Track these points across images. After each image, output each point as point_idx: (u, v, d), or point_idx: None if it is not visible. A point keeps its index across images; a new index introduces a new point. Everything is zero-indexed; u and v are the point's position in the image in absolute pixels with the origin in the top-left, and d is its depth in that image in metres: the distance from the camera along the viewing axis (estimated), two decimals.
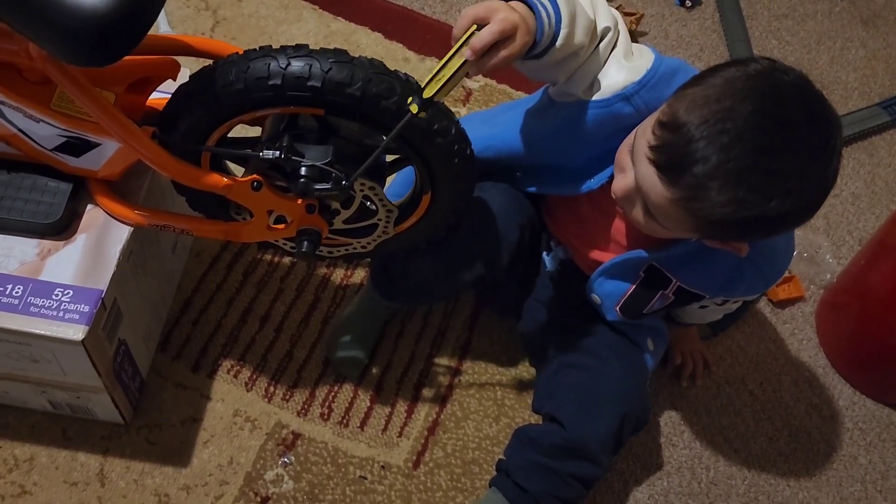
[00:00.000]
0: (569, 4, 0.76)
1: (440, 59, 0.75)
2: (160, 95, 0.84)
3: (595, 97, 0.83)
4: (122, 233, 0.87)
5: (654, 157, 0.75)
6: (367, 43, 1.36)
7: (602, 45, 0.82)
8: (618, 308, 0.96)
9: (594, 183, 0.90)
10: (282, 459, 1.01)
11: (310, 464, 1.01)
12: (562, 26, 0.75)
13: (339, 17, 1.38)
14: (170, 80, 0.85)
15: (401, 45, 1.37)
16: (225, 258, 1.13)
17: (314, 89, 0.76)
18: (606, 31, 0.81)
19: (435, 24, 1.41)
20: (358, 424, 1.04)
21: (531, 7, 0.75)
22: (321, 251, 0.95)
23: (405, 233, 0.93)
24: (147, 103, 0.85)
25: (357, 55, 0.78)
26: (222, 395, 1.04)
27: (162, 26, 1.28)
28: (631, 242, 0.93)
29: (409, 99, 0.73)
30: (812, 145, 0.73)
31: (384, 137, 0.83)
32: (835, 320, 1.21)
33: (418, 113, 0.73)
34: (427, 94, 0.72)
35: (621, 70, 0.82)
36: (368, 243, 0.93)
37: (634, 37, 1.49)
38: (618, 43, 0.83)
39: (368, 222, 0.90)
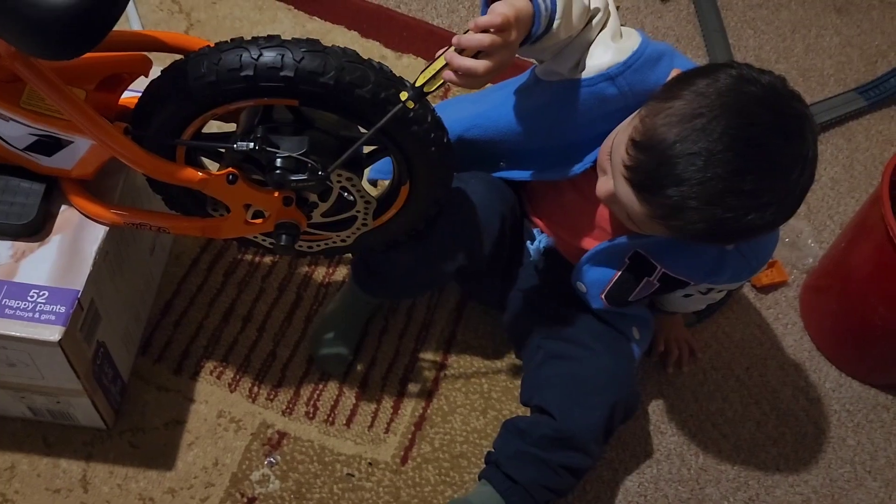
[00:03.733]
0: None
1: (417, 55, 0.75)
2: (133, 94, 0.83)
3: (580, 76, 0.83)
4: (98, 232, 0.86)
5: (629, 176, 0.76)
6: (342, 42, 1.35)
7: (591, 25, 0.82)
8: (603, 296, 0.96)
9: (578, 168, 0.90)
10: (268, 459, 1.00)
11: (296, 463, 1.00)
12: (557, 16, 0.76)
13: (315, 17, 1.37)
14: (142, 78, 0.84)
15: (377, 42, 1.36)
16: (205, 259, 1.12)
17: (287, 79, 0.75)
18: (596, 11, 0.82)
19: (411, 21, 1.41)
20: (344, 422, 1.03)
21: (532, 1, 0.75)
22: (300, 246, 0.94)
23: (385, 225, 0.92)
24: (120, 102, 0.84)
25: (334, 41, 0.78)
26: (206, 396, 1.02)
27: (134, 27, 1.27)
28: (615, 229, 0.93)
29: (402, 90, 0.74)
30: (785, 161, 0.73)
31: (360, 129, 0.84)
32: (818, 303, 1.21)
33: (407, 101, 0.74)
34: (419, 82, 0.73)
35: (607, 51, 0.82)
36: (348, 237, 0.93)
37: None
38: (607, 24, 0.83)
39: (347, 215, 0.89)
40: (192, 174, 0.81)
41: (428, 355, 1.10)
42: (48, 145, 0.81)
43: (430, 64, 0.74)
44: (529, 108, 0.91)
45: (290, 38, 0.77)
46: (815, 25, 1.59)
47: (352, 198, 0.87)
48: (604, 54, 0.82)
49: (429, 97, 0.77)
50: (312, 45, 0.76)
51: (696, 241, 0.83)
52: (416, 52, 1.37)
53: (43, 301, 0.81)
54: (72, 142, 0.81)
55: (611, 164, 0.80)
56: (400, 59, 1.36)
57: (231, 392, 1.03)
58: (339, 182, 0.84)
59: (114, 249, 0.90)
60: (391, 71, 0.80)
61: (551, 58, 0.83)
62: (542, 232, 1.01)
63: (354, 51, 0.78)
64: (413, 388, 1.07)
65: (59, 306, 0.81)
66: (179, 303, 1.08)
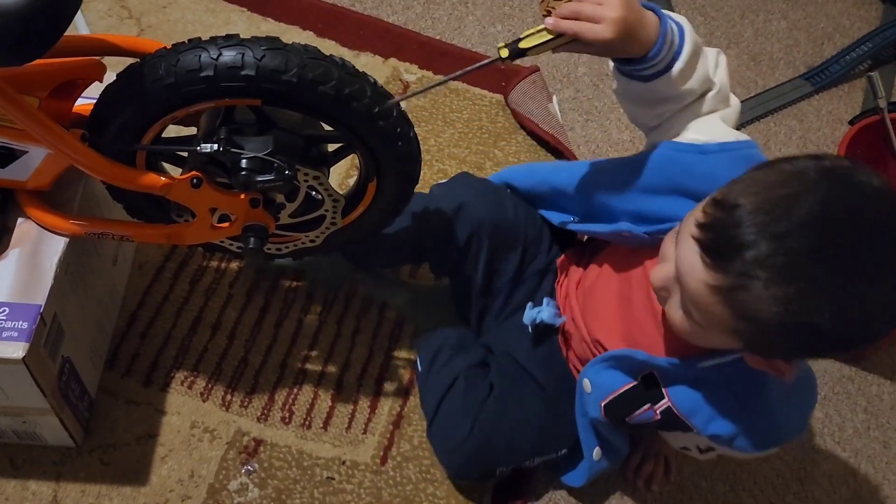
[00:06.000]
0: (695, 44, 0.76)
1: (374, 53, 0.74)
2: (88, 101, 0.81)
3: (673, 139, 0.80)
4: (58, 244, 0.84)
5: (700, 236, 0.67)
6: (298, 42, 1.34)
7: (706, 98, 0.78)
8: (603, 404, 0.88)
9: (627, 227, 0.83)
10: (245, 468, 0.98)
11: (274, 469, 0.98)
12: (682, 55, 0.75)
13: (269, 18, 1.36)
14: (97, 83, 0.82)
15: (334, 41, 1.35)
16: (170, 268, 1.09)
17: (248, 78, 0.74)
18: (713, 85, 0.78)
19: (367, 19, 1.40)
20: (321, 425, 1.02)
21: (660, 18, 0.74)
22: (269, 249, 0.93)
23: (354, 223, 0.92)
24: (74, 109, 0.81)
25: (290, 41, 0.77)
26: (177, 407, 1.00)
27: (82, 33, 1.24)
28: (642, 337, 0.85)
29: (502, 44, 0.72)
30: (887, 259, 0.63)
31: (324, 126, 0.83)
32: None
33: (507, 59, 0.72)
34: (524, 45, 0.72)
35: (712, 128, 0.78)
36: (317, 237, 0.92)
37: None
38: (725, 111, 0.80)
39: (315, 214, 0.88)
40: (154, 180, 0.79)
41: (402, 353, 1.09)
42: (1, 157, 0.79)
43: (538, 30, 0.73)
44: (608, 159, 0.90)
45: (249, 37, 0.75)
46: (763, 10, 1.63)
47: (319, 197, 0.86)
48: (705, 129, 0.78)
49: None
50: (273, 43, 0.75)
51: (752, 345, 0.71)
52: (373, 50, 1.36)
53: (3, 318, 0.79)
54: (26, 152, 0.79)
55: (676, 241, 0.72)
56: (357, 57, 1.35)
57: (203, 401, 1.01)
58: (305, 181, 0.83)
59: (75, 261, 0.87)
60: (354, 67, 0.79)
61: (657, 123, 0.81)
62: (555, 306, 0.96)
63: (315, 47, 0.77)
64: (389, 387, 1.06)
65: (20, 322, 0.79)
66: (145, 313, 1.06)
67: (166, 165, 0.88)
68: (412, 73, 1.35)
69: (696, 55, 0.76)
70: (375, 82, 0.79)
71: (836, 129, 1.47)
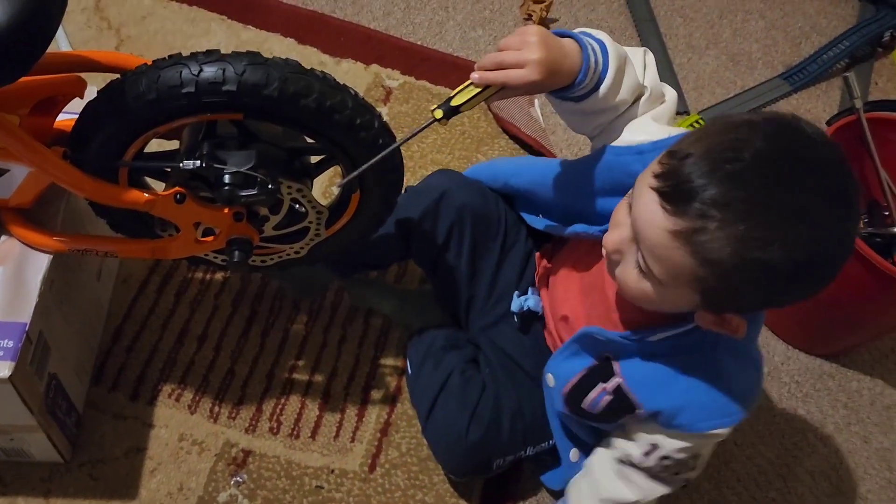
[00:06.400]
0: (619, 59, 0.77)
1: (356, 60, 0.75)
2: (68, 117, 0.81)
3: (612, 143, 0.83)
4: (42, 262, 0.84)
5: (658, 185, 0.69)
6: (279, 50, 1.34)
7: (639, 103, 0.81)
8: (565, 392, 0.90)
9: (583, 229, 0.87)
10: (234, 479, 0.98)
11: (263, 480, 0.99)
12: (607, 76, 0.77)
13: (250, 26, 1.36)
14: (77, 100, 0.82)
15: (315, 49, 1.35)
16: (154, 281, 1.09)
17: (230, 93, 0.74)
18: (644, 90, 0.81)
19: (348, 25, 1.40)
20: (309, 434, 1.02)
21: (580, 45, 0.76)
22: (254, 261, 0.93)
23: (338, 234, 0.92)
24: (55, 125, 0.81)
25: (272, 54, 0.77)
26: (165, 420, 1.00)
27: (62, 47, 1.23)
28: (607, 325, 0.86)
29: (435, 106, 0.74)
30: (830, 189, 0.66)
31: (307, 139, 0.83)
32: None
33: (441, 119, 0.74)
34: (456, 102, 0.74)
35: (646, 128, 0.81)
36: (301, 248, 0.92)
37: (545, 24, 1.51)
38: (658, 109, 0.82)
39: (299, 226, 0.89)
40: (137, 196, 0.79)
41: (389, 360, 1.10)
42: None
43: (466, 86, 0.75)
44: (560, 162, 0.92)
45: (230, 52, 0.76)
46: (741, 10, 1.64)
47: (303, 209, 0.86)
48: (641, 130, 0.81)
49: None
50: (253, 58, 0.75)
51: (710, 297, 0.72)
52: (355, 57, 1.36)
53: None
54: (7, 170, 0.78)
55: (631, 202, 0.74)
56: (339, 64, 1.35)
57: (191, 414, 1.01)
58: (289, 194, 0.83)
59: (59, 278, 0.87)
60: (335, 79, 0.79)
61: (597, 133, 0.84)
62: (538, 295, 1.00)
63: (296, 61, 0.78)
64: (376, 394, 1.07)
65: (6, 341, 0.78)
66: (131, 327, 1.06)
67: (149, 180, 0.88)
68: (394, 80, 1.36)
69: (621, 70, 0.78)
70: (357, 94, 0.80)
71: None
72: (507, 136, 1.34)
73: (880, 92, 1.56)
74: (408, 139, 0.77)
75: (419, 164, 1.28)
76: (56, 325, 0.87)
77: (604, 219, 0.82)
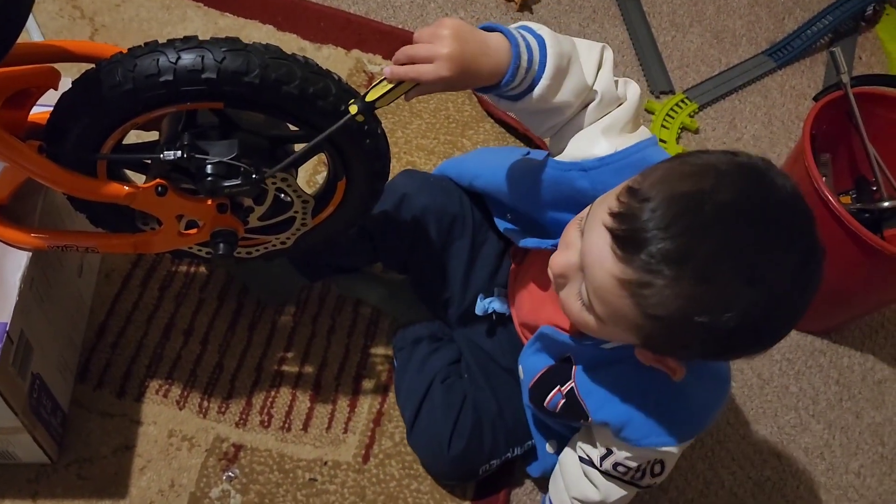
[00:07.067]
0: (560, 58, 0.72)
1: (336, 45, 0.73)
2: (42, 109, 0.78)
3: (556, 157, 0.79)
4: (21, 259, 0.81)
5: (613, 225, 0.64)
6: (258, 37, 1.31)
7: (588, 110, 0.76)
8: (530, 387, 0.89)
9: (535, 244, 0.85)
10: (226, 474, 0.97)
11: (256, 474, 0.97)
12: (544, 76, 0.72)
13: (227, 13, 1.33)
14: (51, 91, 0.79)
15: (294, 35, 1.33)
16: (137, 275, 1.07)
17: (210, 81, 0.72)
18: (594, 96, 0.75)
19: (327, 10, 1.38)
20: (301, 427, 1.01)
21: (510, 42, 0.71)
22: (239, 252, 0.91)
23: (324, 223, 0.90)
24: (29, 118, 0.79)
25: (251, 41, 0.75)
26: (153, 417, 0.98)
27: (34, 37, 1.20)
28: (563, 320, 0.83)
29: (351, 101, 0.71)
30: (793, 255, 0.62)
31: (289, 126, 0.81)
32: None
33: (357, 115, 0.71)
34: (370, 97, 0.71)
35: (592, 141, 0.75)
36: (287, 238, 0.90)
37: (527, 5, 1.49)
38: (610, 115, 0.76)
39: (285, 216, 0.87)
40: (117, 189, 0.77)
41: (379, 350, 1.08)
42: None
43: (379, 81, 0.72)
44: (515, 171, 0.88)
45: (208, 38, 0.73)
46: None
47: (288, 199, 0.84)
48: (588, 143, 0.75)
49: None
50: (233, 44, 0.73)
51: (648, 343, 0.69)
52: (336, 42, 1.34)
53: None
54: None
55: (582, 229, 0.70)
56: (319, 50, 1.33)
57: (180, 409, 0.99)
58: (274, 184, 0.81)
59: (39, 275, 0.85)
60: (317, 64, 0.77)
61: (549, 135, 0.79)
62: (504, 297, 0.98)
63: (277, 46, 0.76)
64: (368, 384, 1.06)
65: None
66: (115, 323, 1.03)
67: (129, 172, 0.85)
68: (376, 65, 1.34)
69: (561, 71, 0.72)
70: (340, 80, 0.78)
71: (800, 104, 1.49)
72: (492, 120, 1.32)
73: (864, 66, 1.56)
74: (328, 134, 0.73)
75: (404, 150, 1.26)
76: (37, 323, 0.85)
77: (556, 231, 0.78)
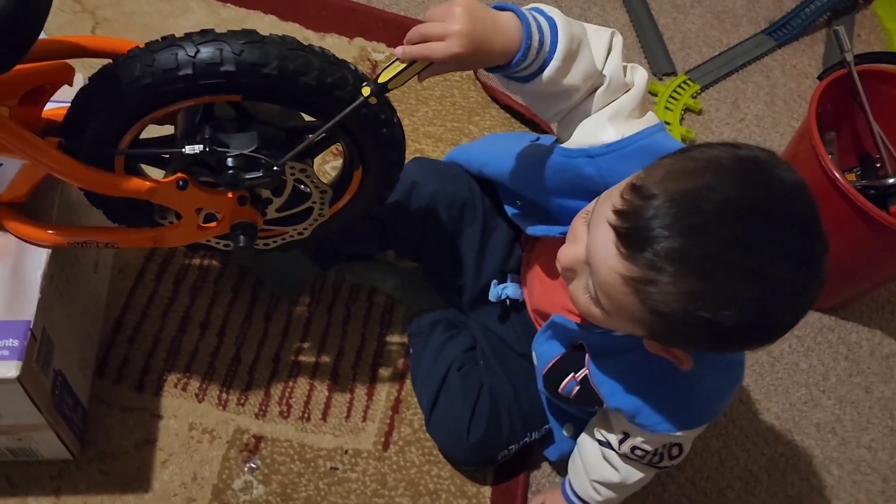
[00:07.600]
0: (571, 41, 0.72)
1: (340, 34, 0.72)
2: (57, 105, 0.78)
3: (563, 144, 0.78)
4: (40, 256, 0.81)
5: (617, 223, 0.64)
6: (261, 27, 1.28)
7: (595, 95, 0.76)
8: (544, 373, 0.89)
9: (543, 231, 0.85)
10: (248, 465, 0.97)
11: (277, 465, 0.98)
12: (554, 58, 0.71)
13: (229, 4, 1.32)
14: (65, 87, 0.79)
15: (297, 24, 1.32)
16: (151, 269, 1.07)
17: (229, 74, 0.72)
18: (602, 81, 0.75)
19: None
20: (320, 416, 1.02)
21: (522, 21, 0.71)
22: (257, 244, 0.91)
23: (341, 212, 0.90)
24: (43, 114, 0.78)
25: (267, 33, 0.75)
26: (173, 410, 0.99)
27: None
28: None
29: (364, 83, 0.71)
30: (796, 252, 0.62)
31: (305, 117, 0.81)
32: None
33: (370, 97, 0.70)
34: (383, 78, 0.70)
35: (599, 128, 0.75)
36: (305, 229, 0.90)
37: None
38: (617, 101, 0.76)
39: (303, 207, 0.87)
40: (138, 184, 0.77)
41: (395, 337, 1.09)
42: None
43: (392, 62, 0.71)
44: (523, 158, 0.88)
45: (224, 31, 0.73)
46: None
47: (307, 189, 0.84)
48: (594, 130, 0.75)
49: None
50: (250, 36, 0.73)
51: (654, 335, 0.69)
52: (339, 31, 1.34)
53: None
54: (0, 164, 0.76)
55: (588, 223, 0.70)
56: (322, 39, 1.32)
57: (199, 402, 1.00)
58: (292, 175, 0.81)
59: (58, 272, 0.85)
60: (334, 55, 0.77)
61: (556, 119, 0.79)
62: (517, 283, 0.99)
63: (293, 38, 0.76)
64: (385, 372, 1.06)
65: (11, 340, 0.76)
66: (131, 317, 1.03)
67: (146, 167, 0.85)
68: (380, 52, 1.33)
69: (572, 54, 0.72)
70: (356, 69, 0.78)
71: (802, 83, 1.49)
72: (497, 106, 1.32)
73: (863, 44, 1.57)
74: (341, 118, 0.72)
75: (412, 138, 1.26)
76: (58, 320, 0.85)
77: (564, 218, 0.79)
